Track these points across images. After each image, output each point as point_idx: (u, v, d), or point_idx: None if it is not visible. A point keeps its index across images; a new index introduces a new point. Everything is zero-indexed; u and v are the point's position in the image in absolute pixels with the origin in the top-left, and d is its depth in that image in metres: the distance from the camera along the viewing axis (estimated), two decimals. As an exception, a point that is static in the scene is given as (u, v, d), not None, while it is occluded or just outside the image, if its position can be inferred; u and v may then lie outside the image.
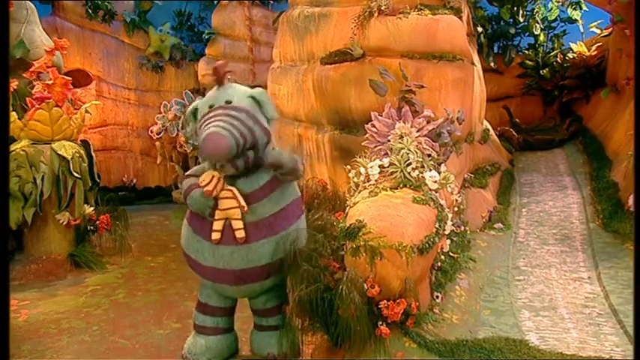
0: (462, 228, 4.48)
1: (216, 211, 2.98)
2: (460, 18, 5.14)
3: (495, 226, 4.92)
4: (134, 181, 8.88)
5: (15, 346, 3.64)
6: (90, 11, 8.30)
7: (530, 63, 8.55)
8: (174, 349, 3.59)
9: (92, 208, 5.57)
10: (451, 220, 3.88)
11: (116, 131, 8.90)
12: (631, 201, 4.43)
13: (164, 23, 8.81)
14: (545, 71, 8.39)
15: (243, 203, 2.97)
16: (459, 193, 4.68)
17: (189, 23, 9.08)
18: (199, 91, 8.47)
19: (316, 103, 5.48)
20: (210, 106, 2.96)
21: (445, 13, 4.79)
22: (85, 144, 5.76)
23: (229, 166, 2.94)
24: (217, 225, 2.99)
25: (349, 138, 5.12)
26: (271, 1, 8.79)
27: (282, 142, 6.33)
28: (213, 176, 2.97)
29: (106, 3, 8.36)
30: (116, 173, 8.86)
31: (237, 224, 2.99)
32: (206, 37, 8.73)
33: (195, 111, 3.05)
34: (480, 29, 7.75)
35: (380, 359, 2.99)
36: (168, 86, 8.93)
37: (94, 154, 5.79)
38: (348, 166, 4.10)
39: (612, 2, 6.15)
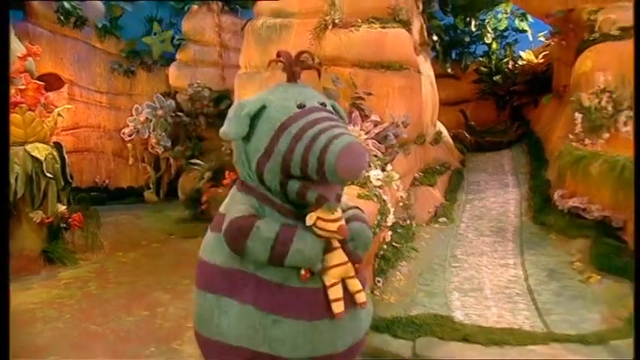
0: (408, 222, 4.95)
1: (329, 270, 2.10)
2: (409, 30, 5.63)
3: (440, 220, 5.41)
4: (106, 181, 9.14)
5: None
6: (61, 17, 8.53)
7: (484, 69, 9.15)
8: (143, 334, 3.92)
9: (65, 207, 5.85)
10: (397, 214, 4.34)
11: (88, 133, 9.14)
12: (556, 196, 4.97)
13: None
14: (497, 77, 9.00)
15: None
16: (406, 190, 5.15)
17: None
18: (170, 95, 8.79)
19: (278, 107, 5.88)
20: (300, 106, 2.14)
21: (393, 27, 5.26)
22: (57, 146, 6.02)
23: (334, 195, 2.10)
24: (336, 292, 2.10)
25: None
26: (240, 9, 9.15)
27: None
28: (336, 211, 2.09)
29: (77, 10, 8.60)
30: (88, 174, 9.09)
31: (355, 285, 2.16)
32: (176, 42, 9.05)
33: (261, 109, 2.15)
34: (435, 38, 8.29)
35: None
36: (139, 90, 9.22)
37: (66, 156, 6.05)
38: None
39: (550, 16, 6.74)
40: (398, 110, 5.07)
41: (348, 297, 2.12)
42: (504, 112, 9.16)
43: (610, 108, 5.08)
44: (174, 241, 6.42)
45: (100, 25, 8.84)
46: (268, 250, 2.05)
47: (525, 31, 8.85)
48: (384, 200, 4.09)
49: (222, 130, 2.21)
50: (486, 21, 8.72)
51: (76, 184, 7.41)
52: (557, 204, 4.95)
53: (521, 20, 8.53)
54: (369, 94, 4.85)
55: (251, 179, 2.20)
